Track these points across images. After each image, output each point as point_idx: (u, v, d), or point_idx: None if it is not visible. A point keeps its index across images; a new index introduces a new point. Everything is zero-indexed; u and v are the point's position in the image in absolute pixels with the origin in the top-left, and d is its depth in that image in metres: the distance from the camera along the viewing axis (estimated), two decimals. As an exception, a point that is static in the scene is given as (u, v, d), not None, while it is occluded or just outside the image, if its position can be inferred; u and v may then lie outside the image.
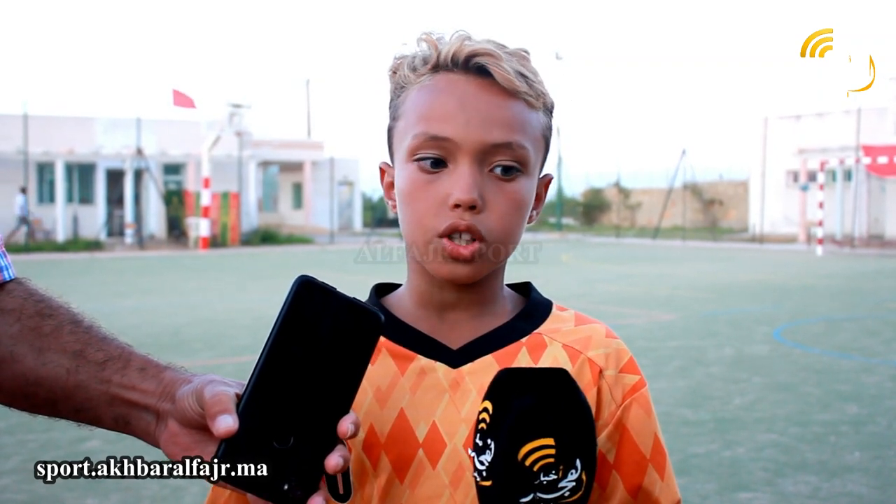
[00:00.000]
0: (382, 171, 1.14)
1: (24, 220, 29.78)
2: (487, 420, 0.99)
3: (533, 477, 0.97)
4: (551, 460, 0.98)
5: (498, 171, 1.03)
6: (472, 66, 1.04)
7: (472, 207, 1.01)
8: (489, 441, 0.98)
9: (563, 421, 0.99)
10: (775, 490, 4.88)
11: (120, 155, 32.85)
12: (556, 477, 0.98)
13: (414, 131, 1.04)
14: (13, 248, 26.04)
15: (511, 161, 1.03)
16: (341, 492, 1.04)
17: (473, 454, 1.00)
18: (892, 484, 5.01)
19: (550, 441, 0.97)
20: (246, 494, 0.87)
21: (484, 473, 0.98)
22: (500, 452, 0.97)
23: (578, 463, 0.99)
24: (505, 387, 1.00)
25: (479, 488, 0.99)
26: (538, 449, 0.97)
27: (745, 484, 4.98)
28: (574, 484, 0.99)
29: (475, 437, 1.00)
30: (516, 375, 1.02)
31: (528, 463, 0.97)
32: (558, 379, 1.01)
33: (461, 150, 1.01)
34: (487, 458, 0.98)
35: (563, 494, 0.99)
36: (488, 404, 0.99)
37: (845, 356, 9.03)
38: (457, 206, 1.01)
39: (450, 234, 1.02)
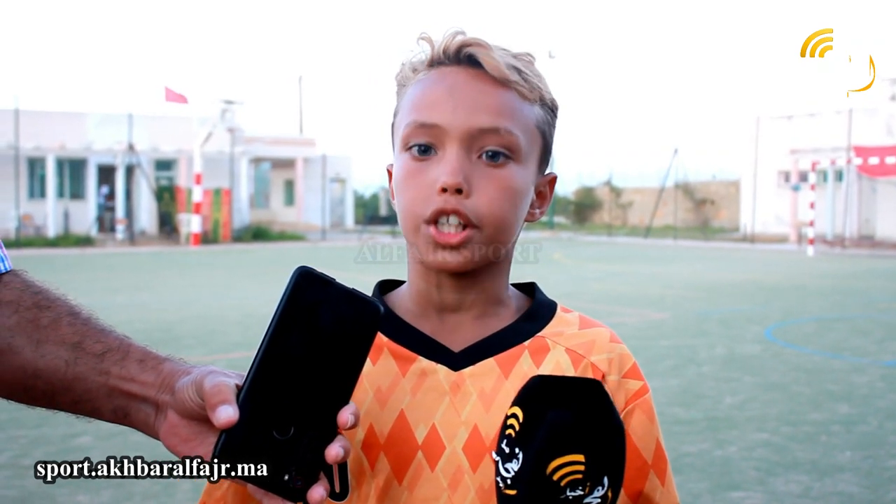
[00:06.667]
0: (390, 173, 1.14)
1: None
2: (517, 427, 0.98)
3: (559, 491, 0.96)
4: (580, 476, 0.96)
5: (486, 156, 1.04)
6: (463, 56, 1.06)
7: (458, 191, 1.01)
8: (517, 450, 0.97)
9: (596, 438, 0.98)
10: (767, 489, 4.89)
11: (111, 150, 32.76)
12: (582, 493, 0.96)
13: (406, 121, 1.06)
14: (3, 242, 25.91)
15: (499, 147, 1.04)
16: (338, 490, 1.03)
17: (498, 458, 0.99)
18: (883, 483, 5.02)
19: (581, 458, 0.96)
20: (246, 485, 0.86)
21: (509, 482, 0.97)
22: (529, 464, 0.96)
23: (606, 480, 0.98)
24: (538, 395, 0.99)
25: (502, 496, 0.98)
26: (568, 464, 0.96)
27: (737, 483, 4.99)
28: (599, 501, 0.98)
29: (500, 443, 0.99)
30: (550, 384, 1.00)
31: (556, 477, 0.96)
32: (592, 391, 1.00)
33: (449, 136, 1.02)
34: (514, 466, 0.97)
35: None
36: (518, 411, 0.98)
37: (836, 356, 9.06)
38: (444, 190, 1.01)
39: (437, 218, 1.02)
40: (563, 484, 0.96)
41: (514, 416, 0.98)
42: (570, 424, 0.97)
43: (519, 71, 1.06)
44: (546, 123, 1.10)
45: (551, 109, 1.11)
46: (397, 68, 1.12)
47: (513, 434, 0.98)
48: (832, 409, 6.72)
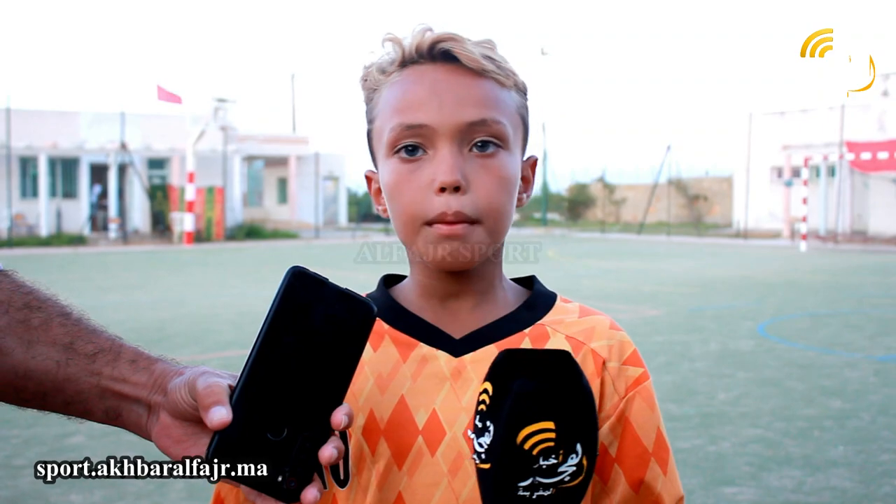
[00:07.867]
0: (369, 180, 1.14)
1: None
2: (487, 402, 0.97)
3: (532, 461, 0.95)
4: (551, 444, 0.95)
5: (476, 148, 1.04)
6: (437, 53, 1.05)
7: (456, 189, 1.01)
8: (488, 423, 0.97)
9: (564, 405, 0.97)
10: (760, 484, 4.90)
11: (104, 149, 32.67)
12: (555, 461, 0.95)
13: (390, 125, 1.05)
14: (-4, 243, 25.88)
15: (488, 137, 1.04)
16: (342, 477, 1.04)
17: (473, 436, 0.99)
18: (876, 478, 5.04)
19: (550, 425, 0.95)
20: (239, 486, 0.86)
21: (483, 456, 0.97)
22: (499, 435, 0.96)
23: (579, 448, 0.97)
24: (505, 368, 0.99)
25: (479, 471, 0.98)
26: (538, 433, 0.95)
27: (730, 478, 5.00)
28: (574, 469, 0.97)
29: (475, 419, 0.99)
30: (517, 357, 1.00)
31: (527, 447, 0.95)
32: (560, 361, 1.00)
33: (439, 135, 1.02)
34: (486, 440, 0.96)
35: (562, 479, 0.96)
36: (488, 386, 0.98)
37: (829, 351, 9.08)
38: (442, 189, 1.01)
39: (439, 221, 1.02)
40: (535, 453, 0.94)
41: (485, 391, 0.98)
42: (537, 392, 0.96)
43: (491, 59, 1.06)
44: (523, 107, 1.11)
45: (524, 92, 1.11)
46: (361, 73, 1.10)
47: (484, 408, 0.97)
48: (825, 405, 6.74)
